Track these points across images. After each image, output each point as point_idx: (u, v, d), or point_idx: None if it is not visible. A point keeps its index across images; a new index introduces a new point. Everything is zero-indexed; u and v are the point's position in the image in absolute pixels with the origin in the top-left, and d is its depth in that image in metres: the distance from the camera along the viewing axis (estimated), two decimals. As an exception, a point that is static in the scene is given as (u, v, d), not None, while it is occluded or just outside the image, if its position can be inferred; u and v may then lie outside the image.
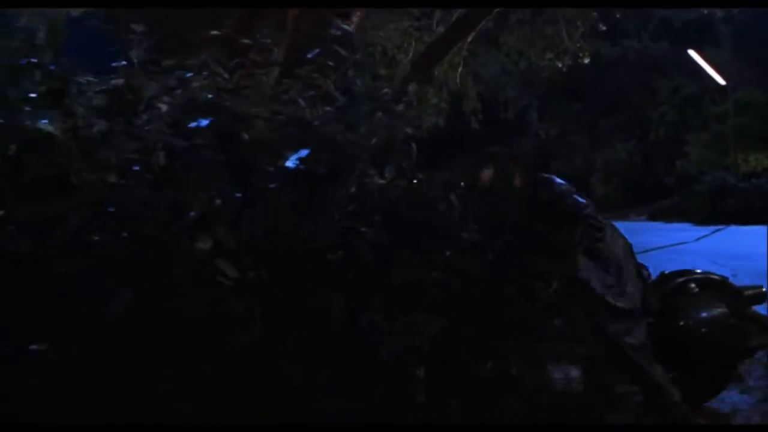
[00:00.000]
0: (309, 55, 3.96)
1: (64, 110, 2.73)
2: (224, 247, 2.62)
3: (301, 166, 2.64)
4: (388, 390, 3.01)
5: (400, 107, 3.91)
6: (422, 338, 3.01)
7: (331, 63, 3.97)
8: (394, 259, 3.09)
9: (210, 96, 3.02)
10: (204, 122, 2.70)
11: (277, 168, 2.66)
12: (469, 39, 16.14)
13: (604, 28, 17.39)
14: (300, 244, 2.76)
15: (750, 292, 4.96)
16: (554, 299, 3.42)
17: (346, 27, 4.97)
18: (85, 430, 2.48)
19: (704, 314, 4.65)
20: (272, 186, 2.58)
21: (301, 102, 3.89)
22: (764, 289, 5.09)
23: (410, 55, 17.54)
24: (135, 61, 3.96)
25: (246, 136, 2.69)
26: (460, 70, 18.09)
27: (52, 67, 2.72)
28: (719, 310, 4.68)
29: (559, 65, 17.78)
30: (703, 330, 4.57)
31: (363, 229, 2.99)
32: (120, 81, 3.38)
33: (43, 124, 2.83)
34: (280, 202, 2.55)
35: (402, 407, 3.03)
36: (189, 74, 3.46)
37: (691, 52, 24.91)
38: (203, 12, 6.06)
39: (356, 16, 10.25)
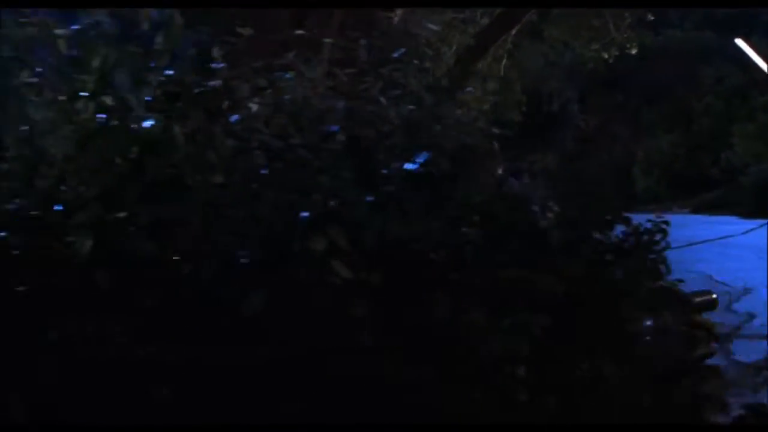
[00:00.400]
0: (395, 54, 3.99)
1: (180, 113, 2.79)
2: (338, 248, 2.66)
3: (421, 169, 2.67)
4: (489, 388, 3.04)
5: (486, 106, 3.92)
6: (524, 338, 3.04)
7: (416, 61, 3.99)
8: (493, 259, 3.11)
9: (342, 102, 3.05)
10: (335, 128, 2.74)
11: (400, 170, 2.69)
12: (513, 31, 16.00)
13: (652, 17, 17.14)
14: (406, 245, 2.80)
15: (700, 299, 4.90)
16: (648, 301, 3.41)
17: (433, 26, 4.98)
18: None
19: (647, 322, 4.58)
20: (399, 189, 2.61)
21: (383, 100, 3.92)
22: (714, 296, 5.04)
23: (454, 47, 17.47)
24: (219, 61, 4.02)
25: (372, 140, 2.73)
26: (504, 62, 17.96)
27: (169, 72, 2.78)
28: (664, 318, 4.62)
29: (605, 56, 17.56)
30: (647, 338, 4.49)
31: (464, 229, 3.01)
32: (218, 82, 3.44)
33: (151, 125, 2.89)
34: (407, 206, 2.58)
35: (503, 406, 3.06)
36: (287, 75, 3.51)
37: (738, 41, 24.36)
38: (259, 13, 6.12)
39: (400, 9, 10.25)
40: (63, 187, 2.81)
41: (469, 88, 4.04)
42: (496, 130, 3.90)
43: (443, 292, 2.91)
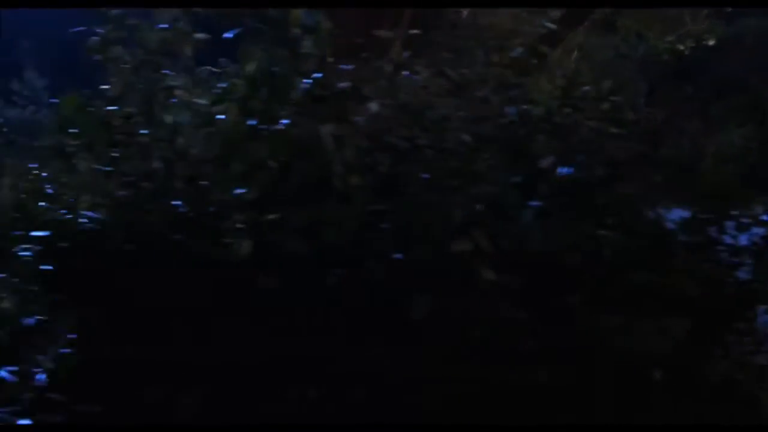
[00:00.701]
0: (513, 54, 3.97)
1: (325, 115, 2.83)
2: (482, 250, 2.68)
3: (576, 174, 2.66)
4: (626, 390, 3.02)
5: (606, 105, 3.87)
6: (661, 340, 3.00)
7: (535, 60, 3.96)
8: (628, 262, 3.08)
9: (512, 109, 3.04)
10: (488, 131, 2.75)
11: (557, 175, 2.69)
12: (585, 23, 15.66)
13: (730, 8, 16.60)
14: (543, 248, 2.79)
15: None
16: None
17: (551, 25, 4.97)
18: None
19: None
20: (557, 194, 2.61)
21: (494, 101, 3.91)
22: None
23: (522, 39, 17.16)
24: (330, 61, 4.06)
25: (532, 144, 2.73)
26: (575, 55, 17.60)
27: (318, 75, 2.83)
28: None
29: (680, 48, 17.07)
30: None
31: (601, 232, 2.99)
32: (347, 84, 3.47)
33: (284, 124, 2.94)
34: (566, 211, 2.58)
35: (638, 408, 3.03)
36: (414, 76, 3.53)
37: (818, 31, 23.39)
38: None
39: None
40: (211, 189, 2.89)
41: (585, 87, 3.98)
42: (614, 130, 3.84)
43: (581, 295, 2.89)
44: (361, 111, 3.50)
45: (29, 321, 2.43)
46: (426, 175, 2.76)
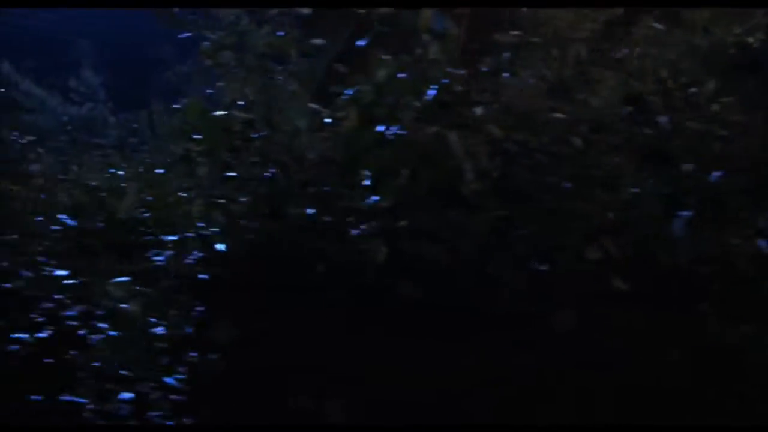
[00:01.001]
0: (618, 55, 3.90)
1: (458, 122, 2.83)
2: (614, 259, 2.65)
3: (721, 181, 2.61)
4: (756, 398, 2.95)
5: (715, 107, 3.78)
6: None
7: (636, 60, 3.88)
8: (758, 269, 3.00)
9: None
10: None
11: (704, 183, 2.64)
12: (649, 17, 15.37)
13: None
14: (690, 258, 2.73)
15: None
16: None
17: (658, 25, 4.88)
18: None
19: None
20: (702, 202, 2.57)
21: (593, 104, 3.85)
22: None
23: (583, 34, 16.92)
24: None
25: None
26: (638, 49, 17.26)
27: (445, 81, 2.83)
28: None
29: (750, 41, 16.59)
30: None
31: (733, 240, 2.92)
32: (461, 89, 3.46)
33: (409, 131, 2.94)
34: (708, 219, 2.54)
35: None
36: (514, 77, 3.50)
37: None
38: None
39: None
40: (334, 194, 2.92)
41: (693, 89, 3.89)
42: (723, 132, 3.75)
43: (712, 304, 2.84)
44: (469, 115, 3.49)
45: (187, 329, 2.49)
46: (568, 185, 2.74)
